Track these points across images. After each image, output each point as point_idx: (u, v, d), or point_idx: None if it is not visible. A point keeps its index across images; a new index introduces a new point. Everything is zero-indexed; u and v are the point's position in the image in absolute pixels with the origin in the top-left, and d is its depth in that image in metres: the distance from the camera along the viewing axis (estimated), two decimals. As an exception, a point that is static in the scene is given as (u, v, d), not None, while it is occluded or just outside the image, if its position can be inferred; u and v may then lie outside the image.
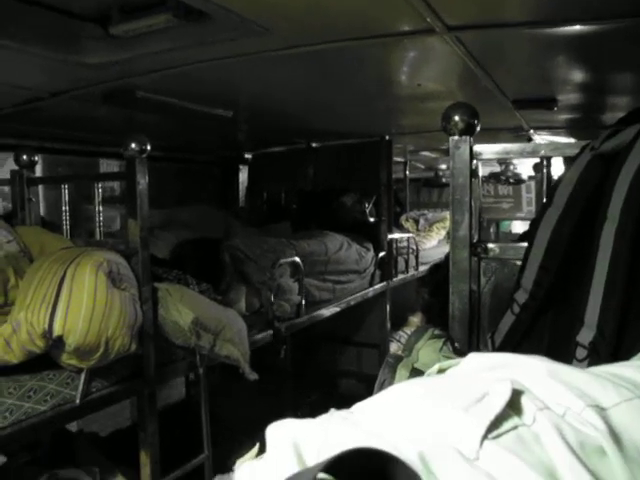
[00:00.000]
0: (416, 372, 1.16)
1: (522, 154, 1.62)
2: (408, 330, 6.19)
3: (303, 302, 3.33)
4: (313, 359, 5.13)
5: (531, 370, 0.56)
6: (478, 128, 1.61)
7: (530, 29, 1.74)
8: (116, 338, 1.98)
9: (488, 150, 1.59)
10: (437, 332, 1.37)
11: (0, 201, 3.91)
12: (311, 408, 4.89)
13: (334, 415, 0.51)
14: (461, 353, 1.41)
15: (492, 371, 0.58)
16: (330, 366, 5.21)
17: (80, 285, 1.91)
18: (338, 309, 3.80)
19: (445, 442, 0.46)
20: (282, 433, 0.50)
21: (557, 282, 1.26)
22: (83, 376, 2.05)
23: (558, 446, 0.46)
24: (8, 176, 2.85)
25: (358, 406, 0.54)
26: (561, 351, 1.18)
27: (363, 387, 5.04)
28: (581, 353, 1.13)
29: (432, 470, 0.44)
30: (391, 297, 4.74)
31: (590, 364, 1.10)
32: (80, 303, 1.89)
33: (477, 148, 1.58)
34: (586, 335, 1.12)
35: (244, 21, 1.70)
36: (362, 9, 1.65)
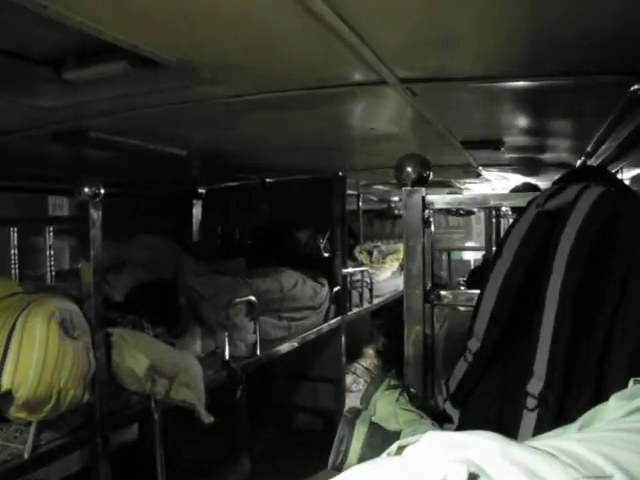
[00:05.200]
0: (374, 427, 1.18)
1: (472, 204, 1.68)
2: (363, 362, 6.22)
3: (258, 341, 3.31)
4: (269, 396, 5.08)
5: (485, 450, 0.58)
6: (430, 177, 1.67)
7: (478, 83, 1.82)
8: (68, 389, 1.93)
9: (440, 200, 1.64)
10: (393, 382, 1.39)
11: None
12: (267, 445, 4.84)
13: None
14: (417, 400, 1.43)
15: (449, 450, 0.60)
16: (286, 402, 5.17)
17: (31, 336, 1.86)
18: (295, 345, 3.79)
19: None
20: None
21: (508, 332, 1.31)
22: (32, 429, 1.98)
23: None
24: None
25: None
26: (513, 400, 1.22)
27: (319, 422, 5.01)
28: (531, 403, 1.17)
29: None
30: (346, 330, 4.77)
31: (540, 414, 1.14)
32: (31, 355, 1.84)
33: (429, 198, 1.63)
34: (535, 385, 1.16)
35: (197, 70, 1.72)
36: (315, 62, 1.69)
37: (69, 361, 1.93)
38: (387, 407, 1.28)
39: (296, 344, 3.81)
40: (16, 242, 2.73)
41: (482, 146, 3.01)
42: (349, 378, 5.58)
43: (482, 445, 0.60)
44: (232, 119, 2.38)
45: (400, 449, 0.64)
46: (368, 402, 1.31)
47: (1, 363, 1.82)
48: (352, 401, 4.68)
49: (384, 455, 0.66)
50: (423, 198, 1.63)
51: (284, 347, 3.68)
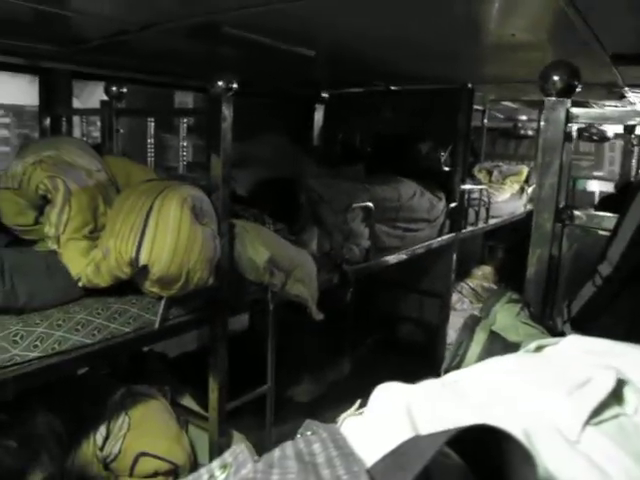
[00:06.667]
0: (494, 335, 1.18)
1: (622, 120, 1.55)
2: (470, 282, 6.15)
3: (372, 247, 3.36)
4: (375, 303, 5.19)
5: (634, 360, 0.57)
6: (579, 89, 1.55)
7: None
8: (196, 271, 2.07)
9: (585, 114, 1.53)
10: (515, 296, 1.37)
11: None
12: (368, 350, 5.00)
13: (444, 384, 0.54)
14: (537, 319, 1.41)
15: (592, 355, 0.59)
16: (391, 311, 5.27)
17: (166, 218, 2.00)
18: (405, 256, 3.81)
19: (548, 423, 0.48)
20: (394, 396, 0.53)
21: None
22: (163, 303, 2.17)
23: (658, 439, 0.48)
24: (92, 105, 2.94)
25: (461, 376, 0.57)
26: (643, 328, 1.17)
27: (421, 334, 5.09)
28: (666, 333, 1.11)
29: (535, 447, 0.46)
30: (458, 247, 4.71)
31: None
32: (165, 235, 1.98)
33: (574, 111, 1.52)
34: (673, 316, 1.10)
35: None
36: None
37: (198, 245, 2.06)
38: (507, 319, 1.27)
39: (407, 256, 3.82)
40: (152, 132, 2.87)
41: (636, 61, 2.73)
42: (454, 296, 5.56)
43: (630, 355, 0.59)
44: (366, 15, 2.30)
45: (539, 348, 0.64)
46: (488, 312, 1.31)
47: (140, 241, 1.98)
48: (456, 319, 4.69)
49: (521, 352, 0.66)
50: (567, 110, 1.52)
51: (396, 257, 3.69)
